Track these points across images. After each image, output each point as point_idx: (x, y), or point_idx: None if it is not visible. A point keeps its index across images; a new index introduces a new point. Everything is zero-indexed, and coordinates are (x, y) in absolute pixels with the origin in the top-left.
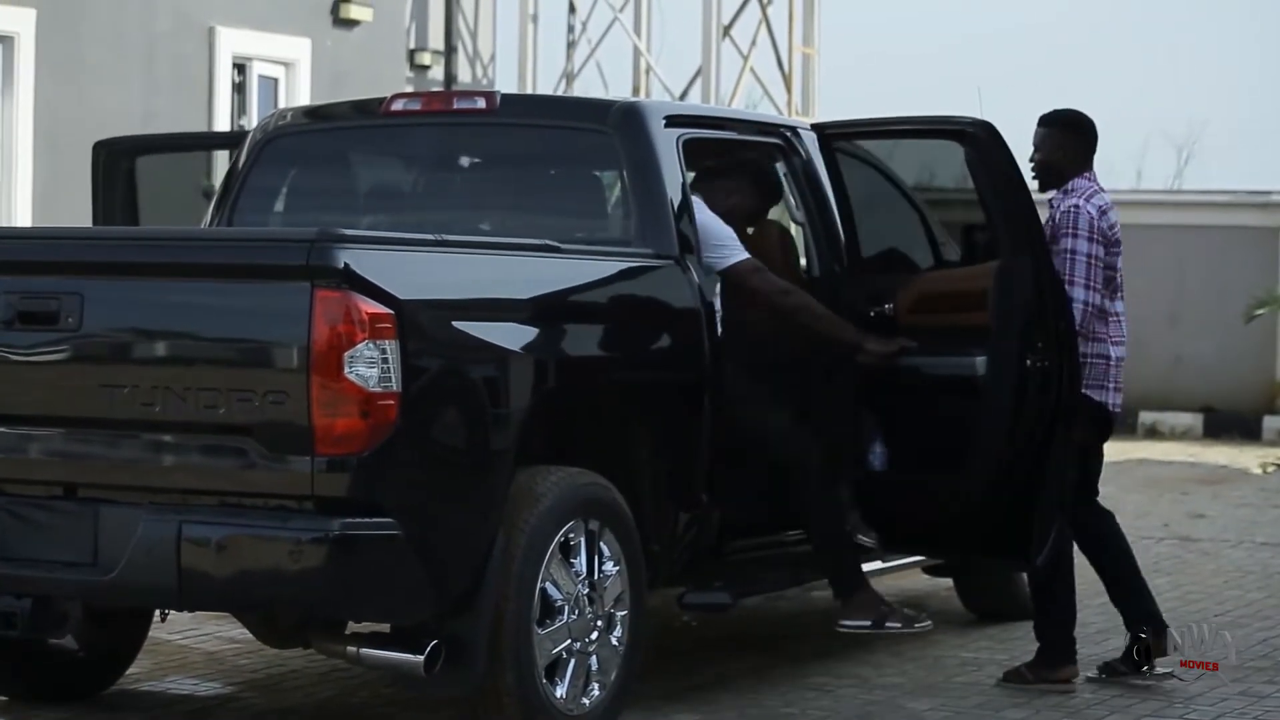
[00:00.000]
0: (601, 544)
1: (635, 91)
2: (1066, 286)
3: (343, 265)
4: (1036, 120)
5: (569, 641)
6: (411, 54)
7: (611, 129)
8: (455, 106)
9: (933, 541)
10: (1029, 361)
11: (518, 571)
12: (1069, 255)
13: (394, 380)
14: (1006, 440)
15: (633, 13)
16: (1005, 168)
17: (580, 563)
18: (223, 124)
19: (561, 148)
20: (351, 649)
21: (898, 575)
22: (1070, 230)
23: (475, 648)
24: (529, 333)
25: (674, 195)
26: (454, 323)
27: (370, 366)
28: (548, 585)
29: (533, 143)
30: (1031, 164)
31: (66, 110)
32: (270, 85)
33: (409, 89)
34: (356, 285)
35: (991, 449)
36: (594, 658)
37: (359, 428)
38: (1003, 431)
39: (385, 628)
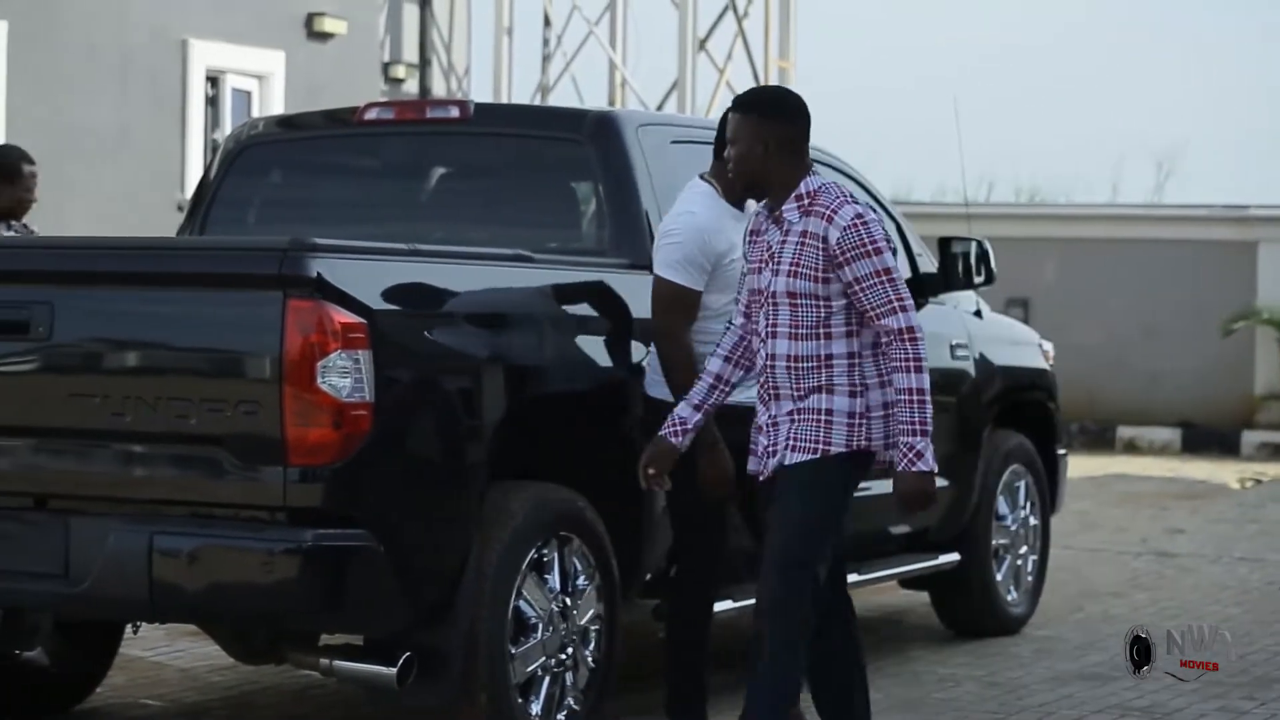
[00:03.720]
0: (575, 560)
1: (610, 104)
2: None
3: (315, 274)
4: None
5: (543, 659)
6: (386, 67)
7: (586, 138)
8: (429, 115)
9: None
10: None
11: (491, 590)
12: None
13: (367, 390)
14: None
15: (608, 26)
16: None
17: (554, 579)
18: (196, 137)
19: (535, 157)
20: (324, 661)
21: (874, 590)
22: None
23: (449, 660)
24: (502, 343)
25: (648, 204)
26: (427, 332)
27: (343, 376)
28: (521, 603)
29: (506, 152)
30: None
31: (39, 122)
32: (244, 98)
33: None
34: (329, 295)
35: None
36: (568, 674)
37: (332, 438)
38: None
39: (358, 640)
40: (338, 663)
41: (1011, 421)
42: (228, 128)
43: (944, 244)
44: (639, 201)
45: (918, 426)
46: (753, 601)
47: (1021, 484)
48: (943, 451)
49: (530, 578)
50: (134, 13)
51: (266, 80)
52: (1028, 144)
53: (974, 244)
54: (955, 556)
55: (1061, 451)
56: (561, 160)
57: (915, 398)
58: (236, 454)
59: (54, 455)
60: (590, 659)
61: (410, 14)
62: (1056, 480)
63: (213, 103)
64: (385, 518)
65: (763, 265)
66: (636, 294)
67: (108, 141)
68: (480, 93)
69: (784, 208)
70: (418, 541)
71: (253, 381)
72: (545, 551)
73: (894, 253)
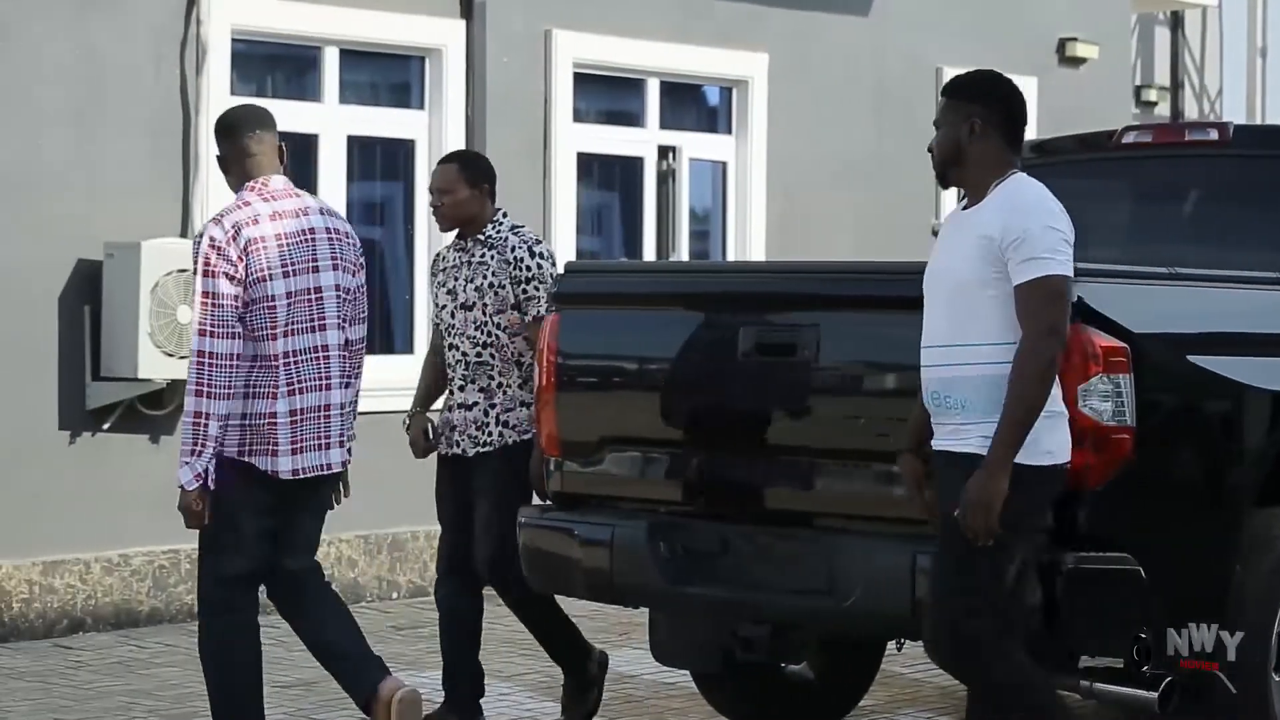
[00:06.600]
0: None
1: None
2: None
3: (1077, 298)
4: None
5: None
6: (1137, 90)
7: None
8: (1187, 138)
9: None
10: None
11: (1253, 617)
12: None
13: (1127, 414)
14: None
15: None
16: None
17: None
18: None
19: None
20: (1084, 683)
21: None
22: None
23: (1212, 687)
24: (1266, 368)
25: None
26: (1188, 357)
27: (1104, 400)
28: None
29: (1267, 174)
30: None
31: (797, 153)
32: None
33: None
34: (1090, 319)
35: None
36: None
37: (1092, 461)
38: None
39: (1119, 663)
40: (1098, 685)
41: None
42: None
43: None
44: None
45: (185, 447)
46: None
47: None
48: None
49: None
50: (890, 43)
51: None
52: None
53: None
54: None
55: None
56: None
57: (187, 419)
58: None
59: (820, 475)
60: None
61: (1161, 37)
62: None
63: None
64: (1146, 542)
65: None
66: None
67: (863, 169)
68: (1232, 114)
69: None
70: (1178, 566)
71: None
72: None
73: (227, 279)
